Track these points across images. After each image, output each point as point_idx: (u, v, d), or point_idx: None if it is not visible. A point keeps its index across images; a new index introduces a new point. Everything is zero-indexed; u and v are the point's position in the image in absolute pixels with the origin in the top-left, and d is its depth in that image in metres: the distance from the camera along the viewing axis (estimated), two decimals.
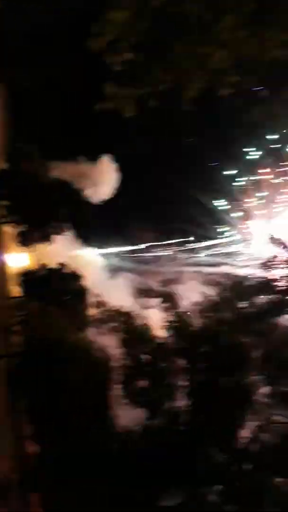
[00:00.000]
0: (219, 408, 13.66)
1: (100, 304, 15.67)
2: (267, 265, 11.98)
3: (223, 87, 9.41)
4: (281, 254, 11.94)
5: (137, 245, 32.38)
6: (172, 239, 32.38)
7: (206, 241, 31.57)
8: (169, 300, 15.64)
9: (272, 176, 27.80)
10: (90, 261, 23.39)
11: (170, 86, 10.21)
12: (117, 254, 30.41)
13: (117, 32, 9.55)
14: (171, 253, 32.49)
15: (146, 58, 9.95)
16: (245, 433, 13.93)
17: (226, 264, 27.15)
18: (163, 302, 15.38)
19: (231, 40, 8.67)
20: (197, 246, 31.90)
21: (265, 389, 13.72)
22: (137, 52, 9.81)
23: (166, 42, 9.75)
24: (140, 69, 9.79)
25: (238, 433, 13.74)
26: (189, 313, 14.92)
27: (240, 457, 13.71)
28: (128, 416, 15.07)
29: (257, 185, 28.76)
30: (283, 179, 27.60)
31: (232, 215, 30.07)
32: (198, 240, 31.90)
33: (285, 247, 11.82)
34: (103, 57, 10.02)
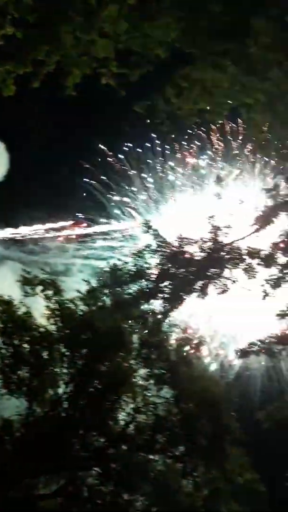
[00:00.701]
0: (97, 393, 14.03)
1: None
2: (141, 254, 12.52)
3: (105, 76, 9.60)
4: (155, 243, 12.58)
5: (27, 234, 31.47)
6: (64, 230, 32.06)
7: (98, 234, 31.81)
8: (52, 288, 15.50)
9: (159, 168, 28.84)
10: None
11: (54, 69, 10.09)
12: (2, 242, 29.21)
13: None
14: (61, 244, 32.15)
15: (30, 37, 9.70)
16: (122, 415, 14.51)
17: (113, 257, 27.66)
18: (45, 290, 15.19)
19: (112, 30, 8.90)
20: (88, 239, 32.00)
21: (141, 372, 14.41)
22: (20, 28, 9.51)
23: (50, 23, 9.62)
24: (22, 47, 9.50)
25: (115, 416, 14.24)
26: (71, 301, 14.99)
27: (116, 439, 14.23)
28: (9, 406, 14.72)
29: (149, 177, 29.62)
30: (170, 172, 28.81)
31: (125, 207, 30.62)
32: (89, 232, 32.01)
33: (158, 236, 12.45)
34: None
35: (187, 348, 15.06)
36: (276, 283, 14.84)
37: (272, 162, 23.47)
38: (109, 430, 14.18)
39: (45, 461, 14.10)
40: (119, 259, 14.60)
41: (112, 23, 8.82)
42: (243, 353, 15.45)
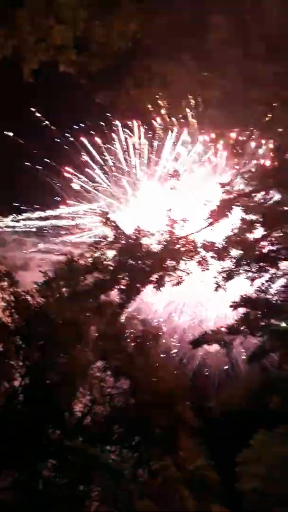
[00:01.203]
0: (54, 385, 13.91)
1: None
2: (97, 246, 12.44)
3: (63, 63, 9.46)
4: (112, 235, 12.52)
5: None
6: (23, 225, 31.22)
7: (58, 226, 31.19)
8: (7, 280, 15.12)
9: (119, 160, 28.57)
10: None
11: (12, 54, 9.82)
12: None
13: None
14: (19, 237, 31.37)
15: None
16: (79, 407, 14.49)
17: (74, 251, 27.14)
18: (0, 282, 14.79)
19: (70, 17, 8.76)
20: (49, 232, 31.34)
21: (98, 363, 14.44)
22: None
23: (8, 7, 9.34)
24: None
25: (72, 408, 14.20)
26: (27, 292, 14.72)
27: (73, 431, 14.20)
28: None
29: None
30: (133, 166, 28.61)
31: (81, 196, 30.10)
32: (49, 226, 31.33)
33: (117, 228, 12.38)
34: None
35: (143, 339, 15.23)
36: (228, 276, 15.28)
37: (228, 156, 24.00)
38: (65, 422, 14.12)
39: (0, 454, 13.87)
40: (79, 254, 14.46)
41: (71, 10, 8.69)
42: (196, 343, 15.79)
